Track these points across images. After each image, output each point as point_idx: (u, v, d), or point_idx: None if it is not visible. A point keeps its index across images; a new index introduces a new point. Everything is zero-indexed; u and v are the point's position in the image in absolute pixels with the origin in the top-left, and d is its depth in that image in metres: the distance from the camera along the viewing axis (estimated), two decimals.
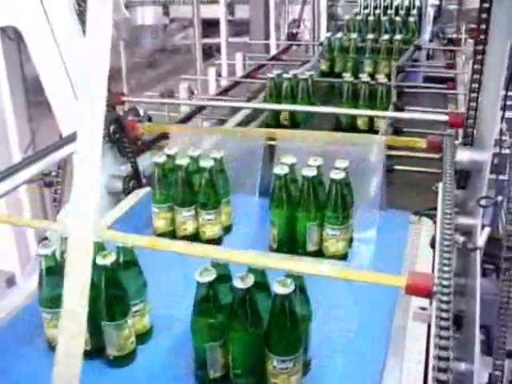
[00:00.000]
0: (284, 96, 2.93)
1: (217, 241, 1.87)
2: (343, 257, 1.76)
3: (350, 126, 2.85)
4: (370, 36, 3.68)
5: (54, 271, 1.34)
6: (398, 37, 3.73)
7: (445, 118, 2.08)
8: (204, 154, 1.89)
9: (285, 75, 2.96)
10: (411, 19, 4.28)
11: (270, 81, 2.98)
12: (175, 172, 1.84)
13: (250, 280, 1.17)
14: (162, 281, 1.57)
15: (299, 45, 4.88)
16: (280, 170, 1.72)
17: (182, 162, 1.81)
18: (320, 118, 2.93)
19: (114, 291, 1.30)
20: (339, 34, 3.87)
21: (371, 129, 2.80)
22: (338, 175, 1.68)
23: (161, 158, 1.88)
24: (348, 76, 2.92)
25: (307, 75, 2.96)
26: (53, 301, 1.33)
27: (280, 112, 2.90)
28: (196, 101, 3.47)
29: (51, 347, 1.39)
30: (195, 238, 1.86)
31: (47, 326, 1.39)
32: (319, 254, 1.76)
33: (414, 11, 4.52)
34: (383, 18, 4.29)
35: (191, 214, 1.84)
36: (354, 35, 3.77)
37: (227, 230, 1.94)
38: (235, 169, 2.00)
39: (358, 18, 4.38)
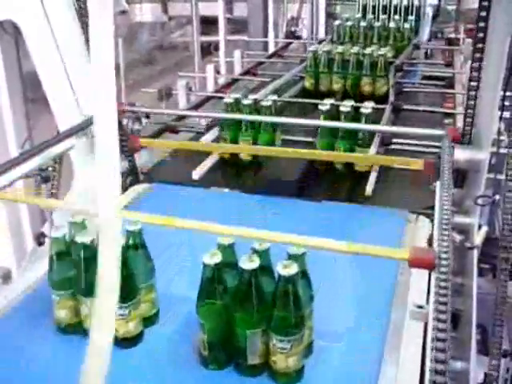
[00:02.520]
0: (244, 125, 2.42)
1: (133, 340, 1.41)
2: (297, 374, 1.30)
3: (327, 161, 2.37)
4: (355, 49, 3.15)
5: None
6: (381, 51, 3.14)
7: None
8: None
9: (244, 101, 2.44)
10: (406, 25, 4.05)
11: (228, 107, 2.50)
12: (75, 250, 1.40)
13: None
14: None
15: (295, 40, 4.88)
16: (210, 258, 1.25)
17: (83, 238, 1.37)
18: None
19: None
20: (326, 47, 3.36)
21: (351, 168, 2.36)
22: (288, 270, 1.21)
23: (58, 231, 1.41)
24: (325, 104, 2.39)
25: (270, 101, 2.43)
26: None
27: (238, 145, 2.45)
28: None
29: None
30: None
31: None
32: (265, 368, 1.32)
33: (411, 17, 4.43)
34: (376, 24, 3.98)
35: None
36: (340, 48, 3.22)
37: (150, 321, 1.47)
38: None
39: (349, 23, 4.02)
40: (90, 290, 1.21)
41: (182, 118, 2.91)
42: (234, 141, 2.45)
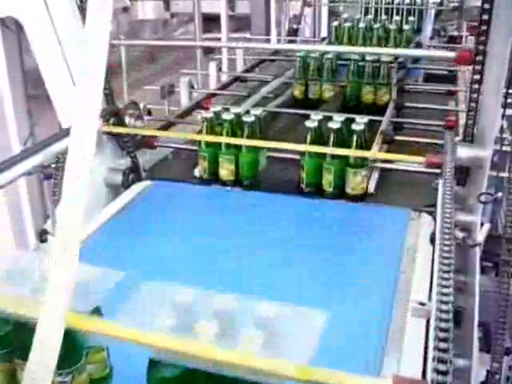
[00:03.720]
0: (224, 143, 2.18)
1: None
2: None
3: (315, 182, 2.13)
4: (354, 55, 2.92)
5: None
6: (385, 58, 2.89)
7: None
8: None
9: (225, 116, 2.17)
10: (408, 26, 3.91)
11: (206, 123, 2.21)
12: None
13: None
14: None
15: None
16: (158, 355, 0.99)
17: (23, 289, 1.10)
18: (276, 173, 2.32)
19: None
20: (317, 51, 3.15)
21: (342, 191, 2.11)
22: (251, 343, 0.96)
23: None
24: (314, 119, 2.11)
25: (253, 116, 2.15)
26: None
27: (218, 164, 2.21)
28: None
29: None
30: None
31: None
32: None
33: (412, 18, 4.36)
34: (375, 26, 3.78)
35: None
36: (330, 54, 2.99)
37: None
38: None
39: (347, 24, 3.83)
40: (24, 354, 0.94)
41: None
42: (214, 160, 2.22)
